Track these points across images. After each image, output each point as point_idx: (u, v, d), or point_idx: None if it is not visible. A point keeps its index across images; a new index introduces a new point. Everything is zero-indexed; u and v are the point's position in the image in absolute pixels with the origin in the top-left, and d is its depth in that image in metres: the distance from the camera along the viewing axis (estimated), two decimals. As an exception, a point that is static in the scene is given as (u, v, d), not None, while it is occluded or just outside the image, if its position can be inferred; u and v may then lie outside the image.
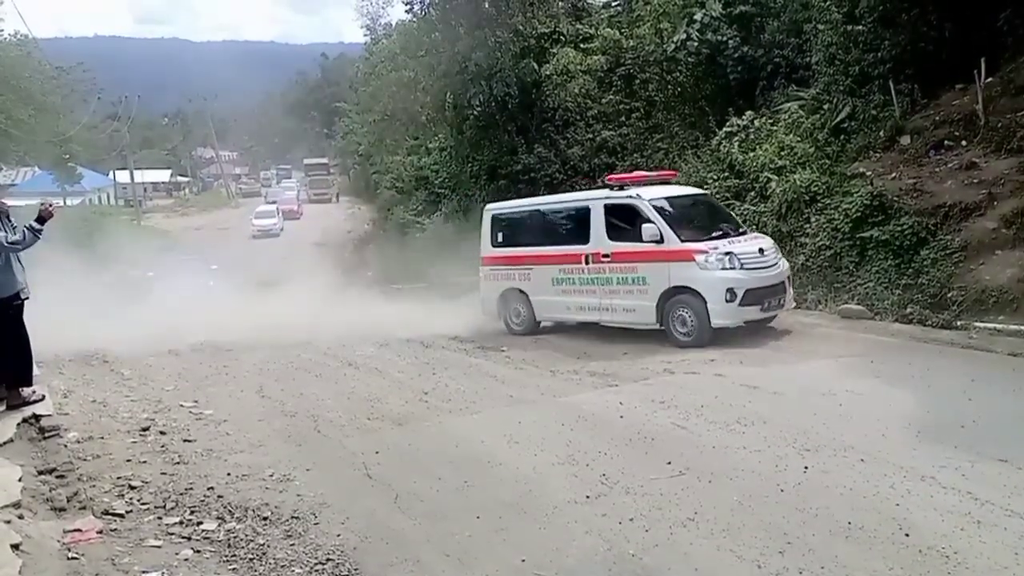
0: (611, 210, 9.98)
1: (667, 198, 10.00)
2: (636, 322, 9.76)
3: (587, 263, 10.13)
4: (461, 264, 19.38)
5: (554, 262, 10.59)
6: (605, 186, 10.91)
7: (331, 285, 15.64)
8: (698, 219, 10.29)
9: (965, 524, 3.86)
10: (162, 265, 17.94)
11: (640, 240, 9.38)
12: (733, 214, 11.34)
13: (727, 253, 9.09)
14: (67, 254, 15.12)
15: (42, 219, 5.86)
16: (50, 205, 6.04)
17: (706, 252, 9.10)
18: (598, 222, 10.04)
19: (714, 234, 9.59)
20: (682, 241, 9.27)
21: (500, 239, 11.55)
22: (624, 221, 9.81)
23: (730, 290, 8.89)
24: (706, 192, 11.96)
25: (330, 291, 14.91)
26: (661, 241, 9.28)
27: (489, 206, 12.25)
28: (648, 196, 9.76)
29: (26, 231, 5.81)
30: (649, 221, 9.37)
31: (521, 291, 11.08)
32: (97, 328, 10.54)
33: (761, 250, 9.45)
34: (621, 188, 10.22)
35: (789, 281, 9.80)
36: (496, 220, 11.69)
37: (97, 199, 51.85)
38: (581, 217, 10.34)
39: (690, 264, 9.11)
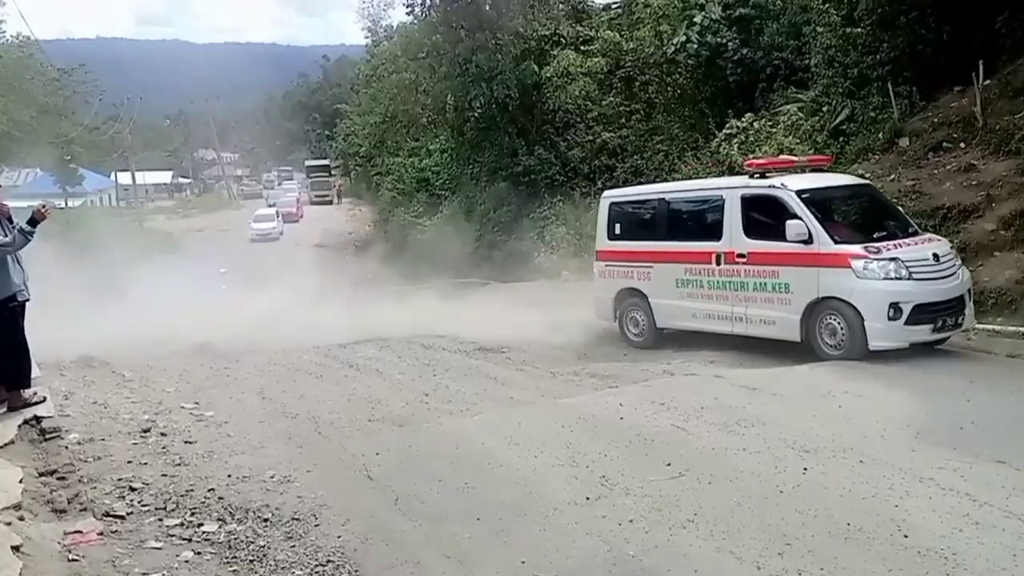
0: (749, 202, 8.48)
1: (819, 189, 8.42)
2: (775, 336, 8.27)
3: (718, 263, 8.65)
4: (461, 265, 19.46)
5: (679, 260, 9.11)
6: (742, 173, 9.40)
7: (330, 287, 15.69)
8: (857, 216, 8.86)
9: (964, 525, 3.88)
10: (165, 267, 17.96)
11: (784, 239, 7.88)
12: (901, 210, 9.41)
13: (892, 259, 7.47)
14: (67, 256, 15.19)
15: (34, 221, 5.87)
16: (43, 207, 6.04)
17: (866, 257, 7.51)
18: (733, 216, 8.53)
19: (877, 235, 8.01)
20: (836, 242, 7.70)
21: (618, 231, 10.01)
22: (765, 215, 8.33)
23: (894, 305, 7.26)
24: (868, 183, 10.04)
25: (330, 292, 14.95)
26: (810, 241, 7.74)
27: (607, 192, 10.83)
28: (795, 187, 8.16)
29: (17, 233, 5.82)
30: (795, 217, 7.85)
31: (640, 292, 9.61)
32: (98, 329, 10.56)
33: (936, 256, 7.70)
34: (763, 176, 8.69)
35: (969, 295, 8.03)
36: (614, 209, 10.16)
37: (99, 200, 51.85)
38: (713, 209, 8.91)
39: (845, 271, 7.52)
